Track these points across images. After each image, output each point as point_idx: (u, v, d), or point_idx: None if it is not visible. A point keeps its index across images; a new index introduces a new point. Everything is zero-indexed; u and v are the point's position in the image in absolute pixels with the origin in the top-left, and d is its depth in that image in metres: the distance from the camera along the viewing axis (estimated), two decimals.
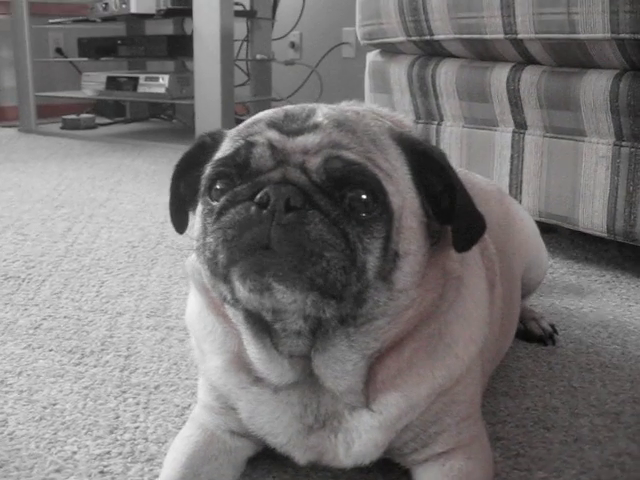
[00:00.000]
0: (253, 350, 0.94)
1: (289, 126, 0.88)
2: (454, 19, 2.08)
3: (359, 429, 0.95)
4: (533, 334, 1.58)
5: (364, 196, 0.84)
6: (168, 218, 1.03)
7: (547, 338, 1.57)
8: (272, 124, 0.89)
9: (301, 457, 0.99)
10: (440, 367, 0.97)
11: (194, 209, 0.98)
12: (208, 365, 1.01)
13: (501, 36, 1.97)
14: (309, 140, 0.86)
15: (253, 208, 0.82)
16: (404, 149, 0.91)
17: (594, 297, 1.88)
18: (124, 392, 1.34)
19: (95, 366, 1.45)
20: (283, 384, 0.94)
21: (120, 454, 1.15)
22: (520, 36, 1.93)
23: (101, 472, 1.10)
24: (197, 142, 0.99)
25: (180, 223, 1.03)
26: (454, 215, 0.91)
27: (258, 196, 0.82)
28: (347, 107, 0.97)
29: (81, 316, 1.71)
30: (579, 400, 1.34)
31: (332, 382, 0.93)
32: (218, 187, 0.88)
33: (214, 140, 0.96)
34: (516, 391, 1.37)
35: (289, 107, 0.93)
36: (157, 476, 1.08)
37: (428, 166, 0.91)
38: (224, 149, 0.92)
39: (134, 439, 1.19)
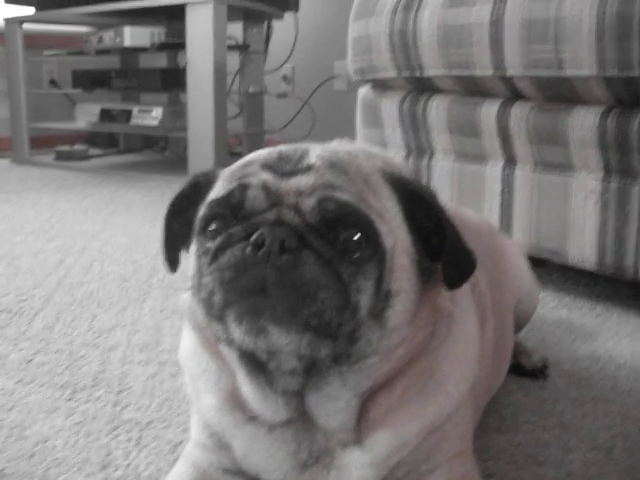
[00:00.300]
0: (247, 388, 0.94)
1: (283, 167, 0.89)
2: (444, 55, 2.11)
3: (350, 466, 0.95)
4: (525, 368, 1.59)
5: (357, 237, 0.85)
6: (160, 251, 1.04)
7: (538, 372, 1.58)
8: (266, 166, 0.90)
9: None
10: (431, 404, 0.97)
11: (187, 248, 0.99)
12: (202, 403, 1.01)
13: (490, 72, 2.00)
14: (302, 182, 0.87)
15: (249, 249, 0.83)
16: (395, 189, 0.93)
17: (584, 331, 1.89)
18: (116, 428, 1.34)
19: (87, 402, 1.45)
20: (277, 421, 0.95)
21: None
22: (509, 73, 1.96)
23: None
24: (190, 182, 1.00)
25: (173, 261, 1.04)
26: (444, 253, 0.93)
27: (253, 237, 0.83)
28: (339, 147, 0.98)
29: (73, 350, 1.71)
30: (571, 435, 1.34)
31: (324, 420, 0.94)
32: (212, 227, 0.89)
33: (207, 180, 0.97)
34: (507, 426, 1.37)
35: (283, 148, 0.94)
36: None
37: (418, 205, 0.93)
38: (218, 190, 0.93)
39: (126, 477, 1.19)
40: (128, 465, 1.22)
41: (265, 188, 0.87)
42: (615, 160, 1.84)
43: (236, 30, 4.65)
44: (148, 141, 5.61)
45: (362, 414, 0.94)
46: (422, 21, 2.15)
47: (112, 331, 1.84)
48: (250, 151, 0.98)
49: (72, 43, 5.22)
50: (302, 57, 5.20)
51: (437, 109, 2.24)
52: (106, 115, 4.69)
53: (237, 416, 0.97)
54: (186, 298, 1.02)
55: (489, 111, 2.09)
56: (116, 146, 5.64)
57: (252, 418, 0.97)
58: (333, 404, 0.92)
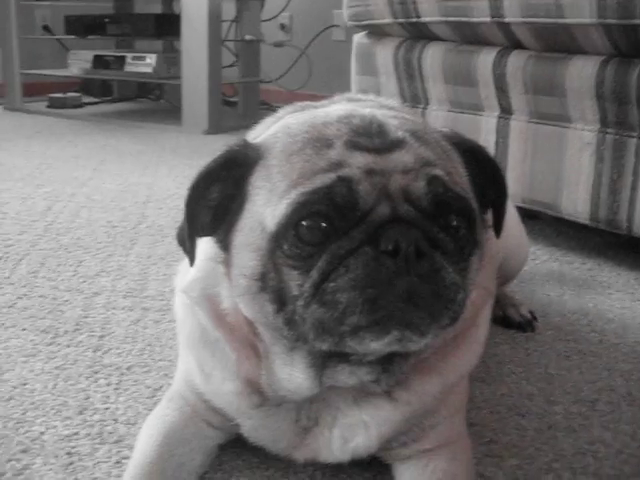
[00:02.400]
0: (297, 377, 0.89)
1: (373, 143, 0.82)
2: (441, 1, 2.05)
3: (368, 422, 0.93)
4: (512, 321, 1.57)
5: (461, 221, 0.83)
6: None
7: (526, 325, 1.56)
8: (352, 145, 0.81)
9: (299, 457, 0.98)
10: (471, 350, 0.99)
11: (217, 237, 0.90)
12: (219, 391, 0.97)
13: (488, 19, 1.95)
14: (405, 158, 0.81)
15: (384, 258, 0.76)
16: (460, 151, 0.91)
17: (575, 285, 1.87)
18: (96, 373, 1.33)
19: (68, 346, 1.43)
20: (302, 400, 0.93)
21: (88, 435, 1.13)
22: (507, 20, 1.90)
23: (68, 453, 1.08)
24: (223, 158, 0.88)
25: (193, 252, 0.91)
26: (500, 205, 0.97)
27: (384, 244, 0.76)
28: (386, 108, 0.94)
29: (57, 295, 1.69)
30: (555, 387, 1.33)
31: (381, 390, 0.91)
32: (307, 225, 0.79)
33: (246, 157, 0.86)
34: (492, 377, 1.36)
35: (340, 116, 0.85)
36: (125, 457, 1.07)
37: (477, 163, 0.92)
38: (289, 177, 0.81)
39: (103, 420, 1.17)
40: (106, 409, 1.21)
41: (369, 174, 0.79)
42: (612, 112, 1.80)
43: None
44: (143, 89, 5.53)
45: (413, 366, 0.93)
46: None
47: (97, 277, 1.82)
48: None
49: None
50: (300, 5, 5.10)
51: (432, 57, 2.19)
52: (99, 62, 4.60)
53: (254, 400, 0.95)
54: (193, 280, 0.96)
55: (485, 60, 2.04)
56: (110, 94, 5.55)
57: (264, 400, 0.94)
58: (398, 374, 0.90)
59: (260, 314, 0.85)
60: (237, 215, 0.86)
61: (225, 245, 0.88)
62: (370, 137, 0.82)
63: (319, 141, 0.82)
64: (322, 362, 0.87)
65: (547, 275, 1.94)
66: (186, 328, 1.01)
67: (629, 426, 1.21)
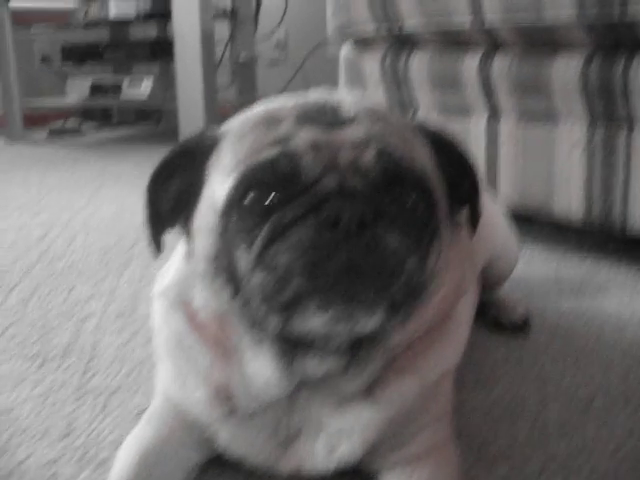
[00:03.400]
0: (266, 371, 0.87)
1: (324, 118, 0.82)
2: (422, 4, 2.04)
3: (351, 429, 0.91)
4: (506, 323, 1.54)
5: (417, 198, 0.81)
6: (145, 230, 0.94)
7: (520, 327, 1.53)
8: (302, 119, 0.82)
9: (283, 470, 0.96)
10: (451, 347, 0.96)
11: (177, 224, 0.91)
12: (192, 398, 0.96)
13: (468, 19, 1.93)
14: (356, 132, 0.81)
15: (325, 228, 0.75)
16: (425, 137, 0.90)
17: (572, 285, 1.84)
18: (82, 396, 1.31)
19: (55, 371, 1.41)
20: (274, 400, 0.91)
21: (72, 459, 1.11)
22: (487, 17, 1.89)
23: (50, 478, 1.06)
24: (180, 147, 0.90)
25: (158, 242, 0.93)
26: (472, 197, 0.94)
27: (325, 214, 0.75)
28: (354, 97, 0.93)
29: (47, 322, 1.67)
30: (549, 389, 1.30)
31: (352, 389, 0.89)
32: (251, 199, 0.79)
33: (204, 144, 0.88)
34: (485, 381, 1.33)
35: (297, 100, 0.86)
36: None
37: (446, 152, 0.91)
38: (237, 156, 0.82)
39: (87, 443, 1.15)
40: (91, 432, 1.19)
41: (315, 147, 0.79)
42: (600, 108, 1.78)
43: None
44: (141, 114, 5.56)
45: (387, 365, 0.90)
46: None
47: (88, 301, 1.80)
48: None
49: (61, 19, 5.14)
50: (294, 22, 5.11)
51: (418, 64, 2.17)
52: (97, 89, 4.65)
53: (225, 409, 0.93)
54: (170, 285, 0.96)
55: (470, 64, 2.03)
56: (110, 120, 5.58)
57: (236, 409, 0.93)
58: (369, 369, 0.88)
59: (220, 300, 0.84)
60: (196, 201, 0.87)
61: (188, 233, 0.89)
62: (322, 114, 0.82)
63: (270, 119, 0.83)
64: (288, 352, 0.85)
65: (544, 276, 1.91)
66: (162, 335, 1.00)
67: (625, 425, 1.17)
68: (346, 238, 0.74)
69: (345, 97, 0.88)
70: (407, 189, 0.80)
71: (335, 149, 0.79)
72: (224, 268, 0.81)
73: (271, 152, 0.79)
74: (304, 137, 0.80)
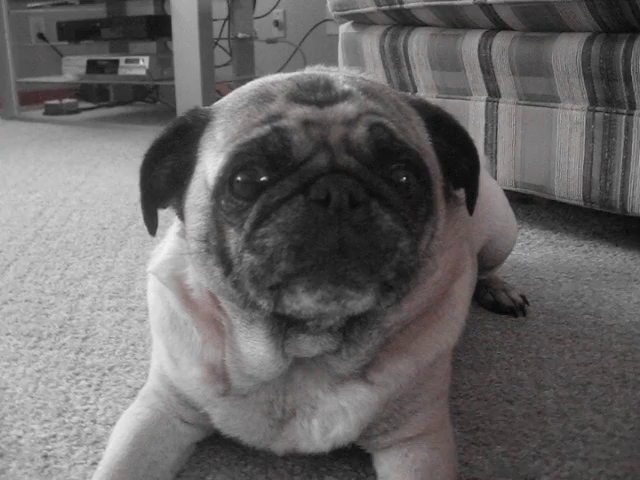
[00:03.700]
0: (260, 350, 0.86)
1: (315, 96, 0.80)
2: None
3: (346, 409, 0.91)
4: (503, 305, 1.54)
5: (410, 177, 0.80)
6: (140, 208, 0.93)
7: (517, 309, 1.53)
8: (293, 97, 0.80)
9: (278, 449, 0.96)
10: (447, 330, 0.95)
11: (172, 204, 0.90)
12: (186, 376, 0.95)
13: (470, 1, 1.91)
14: (348, 109, 0.79)
15: (314, 207, 0.73)
16: (422, 115, 0.88)
17: (570, 267, 1.84)
18: (77, 374, 1.30)
19: (51, 349, 1.41)
20: (270, 380, 0.90)
21: (66, 437, 1.11)
22: (489, 0, 1.87)
23: (44, 456, 1.06)
24: (174, 125, 0.89)
25: (153, 222, 0.93)
26: (471, 178, 0.92)
27: (315, 192, 0.74)
28: (349, 73, 0.91)
29: (42, 299, 1.67)
30: (546, 372, 1.30)
31: (348, 369, 0.88)
32: (241, 179, 0.78)
33: (198, 120, 0.87)
34: (481, 364, 1.33)
35: (291, 76, 0.85)
36: (101, 458, 1.04)
37: (445, 132, 0.90)
38: (230, 132, 0.81)
39: (82, 422, 1.15)
40: (86, 410, 1.18)
41: (306, 125, 0.77)
42: (600, 89, 1.76)
43: None
44: (139, 92, 5.52)
45: (383, 345, 0.90)
46: None
47: (84, 279, 1.79)
48: None
49: None
50: (293, 1, 5.07)
51: (418, 43, 2.15)
52: (93, 67, 4.60)
53: (219, 387, 0.92)
54: (163, 261, 0.95)
55: (470, 43, 2.01)
56: (107, 98, 5.55)
57: (230, 387, 0.92)
58: (363, 349, 0.87)
59: (212, 280, 0.83)
60: (189, 179, 0.86)
61: (180, 212, 0.88)
62: (313, 91, 0.81)
63: (263, 97, 0.82)
64: (281, 331, 0.84)
65: (541, 259, 1.90)
66: (157, 313, 0.99)
67: (621, 408, 1.17)
68: (337, 217, 0.73)
69: (339, 73, 0.86)
70: (400, 166, 0.79)
71: (326, 126, 0.78)
72: (215, 248, 0.80)
73: (261, 130, 0.78)
74: (295, 114, 0.78)
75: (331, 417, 0.91)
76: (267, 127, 0.78)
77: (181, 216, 0.89)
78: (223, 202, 0.79)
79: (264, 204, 0.75)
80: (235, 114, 0.82)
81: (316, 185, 0.74)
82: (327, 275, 0.73)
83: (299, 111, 0.78)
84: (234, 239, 0.78)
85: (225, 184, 0.78)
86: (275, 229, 0.74)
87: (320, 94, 0.80)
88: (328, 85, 0.82)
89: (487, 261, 1.50)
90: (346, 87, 0.81)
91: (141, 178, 0.89)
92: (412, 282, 0.80)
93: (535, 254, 1.94)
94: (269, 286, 0.75)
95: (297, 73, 0.87)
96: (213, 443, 1.06)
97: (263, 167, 0.77)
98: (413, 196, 0.80)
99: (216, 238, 0.80)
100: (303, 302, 0.75)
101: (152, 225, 0.92)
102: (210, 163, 0.82)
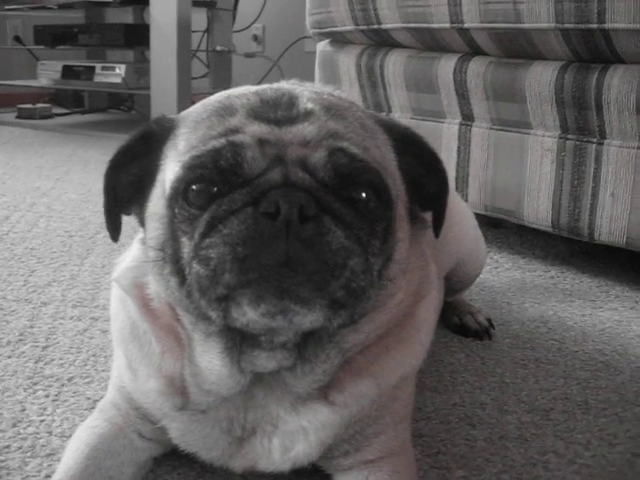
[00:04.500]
0: (216, 365, 0.85)
1: (275, 114, 0.79)
2: (401, 7, 2.03)
3: (307, 429, 0.89)
4: (469, 328, 1.54)
5: (369, 195, 0.79)
6: (103, 214, 0.92)
7: (483, 332, 1.53)
8: (253, 114, 0.80)
9: (237, 467, 0.94)
10: (410, 353, 0.93)
11: (134, 211, 0.90)
12: (143, 388, 0.93)
13: (447, 25, 1.93)
14: (307, 130, 0.78)
15: (262, 219, 0.73)
16: (389, 135, 0.88)
17: (537, 292, 1.85)
18: (35, 384, 1.28)
19: (9, 357, 1.38)
20: (229, 395, 0.88)
21: (20, 448, 1.08)
22: (466, 25, 1.89)
23: None
24: (140, 132, 0.88)
25: (116, 227, 0.92)
26: (439, 200, 0.91)
27: (264, 204, 0.73)
28: (316, 89, 0.90)
29: (4, 305, 1.63)
30: (509, 396, 1.30)
31: (305, 388, 0.87)
32: (195, 189, 0.78)
33: (163, 129, 0.87)
34: (445, 386, 1.32)
35: (258, 90, 0.84)
36: (55, 472, 1.02)
37: (412, 152, 0.89)
38: (187, 143, 0.81)
39: (37, 433, 1.12)
40: (42, 421, 1.16)
41: (262, 143, 0.77)
42: (572, 117, 1.78)
43: None
44: (114, 100, 5.48)
45: (343, 367, 0.88)
46: None
47: (48, 286, 1.76)
48: None
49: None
50: (273, 16, 5.08)
51: (394, 64, 2.16)
52: (69, 72, 4.55)
53: (177, 401, 0.91)
54: (126, 269, 0.94)
55: (446, 66, 2.02)
56: (82, 105, 5.50)
57: (188, 402, 0.90)
58: (321, 369, 0.86)
59: (169, 290, 0.83)
60: (151, 187, 0.86)
61: (142, 219, 0.88)
62: (275, 108, 0.80)
63: (225, 109, 0.81)
64: (235, 346, 0.83)
65: (509, 283, 1.91)
66: (118, 322, 0.98)
67: (582, 435, 1.17)
68: (285, 230, 0.72)
69: (305, 89, 0.86)
70: (359, 186, 0.78)
71: (282, 146, 0.77)
72: (171, 257, 0.80)
73: (216, 143, 0.77)
74: (252, 131, 0.78)
75: (291, 436, 0.90)
76: (222, 140, 0.77)
77: (142, 223, 0.88)
78: (177, 210, 0.79)
79: (213, 215, 0.76)
80: (198, 125, 0.82)
81: (266, 198, 0.74)
82: (271, 289, 0.72)
83: (257, 129, 0.78)
84: (187, 248, 0.78)
85: (179, 193, 0.79)
86: (220, 240, 0.74)
87: (280, 112, 0.80)
88: (291, 102, 0.81)
89: (455, 284, 1.50)
90: (309, 106, 0.81)
91: (105, 183, 0.89)
92: (367, 302, 0.79)
93: (503, 278, 1.95)
94: (215, 297, 0.75)
95: (264, 86, 0.87)
96: (171, 459, 1.04)
97: (215, 178, 0.77)
98: (371, 214, 0.79)
99: (171, 247, 0.80)
100: (248, 315, 0.75)
101: (115, 231, 0.92)
102: (170, 171, 0.82)
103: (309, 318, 0.75)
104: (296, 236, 0.72)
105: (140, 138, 0.88)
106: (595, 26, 1.63)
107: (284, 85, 0.89)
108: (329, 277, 0.73)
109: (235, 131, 0.78)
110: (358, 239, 0.76)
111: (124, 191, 0.89)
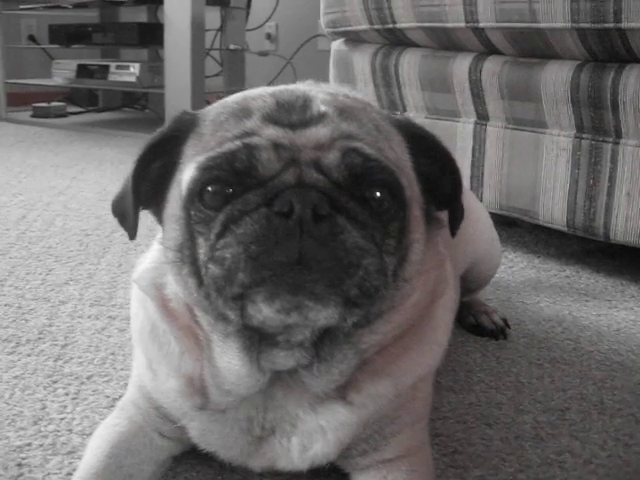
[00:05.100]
0: (235, 365, 0.86)
1: (290, 118, 0.81)
2: (417, 7, 2.03)
3: (325, 428, 0.90)
4: (484, 328, 1.54)
5: (384, 194, 0.79)
6: (125, 213, 0.89)
7: (498, 332, 1.53)
8: (269, 118, 0.81)
9: (256, 467, 0.95)
10: (428, 353, 0.94)
11: (152, 210, 0.91)
12: (163, 388, 0.94)
13: (462, 25, 1.93)
14: (320, 133, 0.79)
15: (276, 219, 0.74)
16: (404, 135, 0.88)
17: (552, 292, 1.85)
18: (55, 382, 1.29)
19: (29, 355, 1.40)
20: (249, 395, 0.89)
21: (41, 446, 1.10)
22: (481, 25, 1.89)
23: (18, 464, 1.05)
24: (169, 128, 0.88)
25: (135, 226, 0.92)
26: (454, 200, 0.92)
27: (278, 204, 0.74)
28: (332, 90, 0.91)
29: (22, 304, 1.65)
30: (525, 396, 1.30)
31: (322, 387, 0.88)
32: (210, 190, 0.79)
33: (184, 127, 0.87)
34: (461, 386, 1.33)
35: (275, 92, 0.85)
36: (76, 469, 1.03)
37: (426, 151, 0.89)
38: (206, 144, 0.82)
39: (58, 430, 1.14)
40: (62, 419, 1.17)
41: (275, 146, 0.78)
42: (587, 117, 1.78)
43: None
44: (128, 99, 5.50)
45: (361, 367, 0.89)
46: None
47: (65, 285, 1.78)
48: None
49: None
50: (286, 15, 5.08)
51: (409, 64, 2.17)
52: (83, 71, 4.58)
53: (197, 401, 0.92)
54: (145, 270, 0.95)
55: (461, 65, 2.02)
56: (96, 104, 5.53)
57: (208, 401, 0.91)
58: (338, 369, 0.86)
59: (187, 291, 0.84)
60: (169, 186, 0.87)
61: (160, 219, 0.89)
62: (289, 112, 0.81)
63: (242, 112, 0.82)
64: (254, 345, 0.84)
65: (524, 282, 1.91)
66: (138, 322, 0.99)
67: (599, 435, 1.18)
68: (298, 229, 0.73)
69: (320, 91, 0.86)
70: (373, 186, 0.79)
71: (296, 150, 0.78)
72: (188, 258, 0.81)
73: (232, 145, 0.79)
74: (267, 135, 0.79)
75: (310, 436, 0.91)
76: (238, 143, 0.79)
77: (160, 222, 0.89)
78: (193, 212, 0.80)
79: (227, 216, 0.77)
80: (215, 125, 0.83)
81: (280, 198, 0.75)
82: (285, 286, 0.74)
83: (272, 132, 0.79)
84: (203, 249, 0.79)
85: (195, 194, 0.80)
86: (234, 240, 0.75)
87: (295, 115, 0.81)
88: (305, 105, 0.82)
89: (471, 283, 1.51)
90: (323, 108, 0.81)
91: (132, 182, 0.88)
92: (381, 302, 0.80)
93: (518, 277, 1.95)
94: (231, 296, 0.76)
95: (281, 87, 0.88)
96: (190, 458, 1.05)
97: (229, 180, 0.78)
98: (385, 214, 0.80)
99: (189, 248, 0.81)
100: (264, 312, 0.76)
101: (133, 229, 0.91)
102: (187, 171, 0.82)
103: (323, 314, 0.76)
104: (310, 235, 0.73)
105: (169, 134, 0.87)
106: (611, 25, 1.63)
107: (300, 87, 0.90)
108: (343, 275, 0.74)
109: (251, 134, 0.79)
110: (372, 238, 0.77)
111: (144, 188, 0.89)
